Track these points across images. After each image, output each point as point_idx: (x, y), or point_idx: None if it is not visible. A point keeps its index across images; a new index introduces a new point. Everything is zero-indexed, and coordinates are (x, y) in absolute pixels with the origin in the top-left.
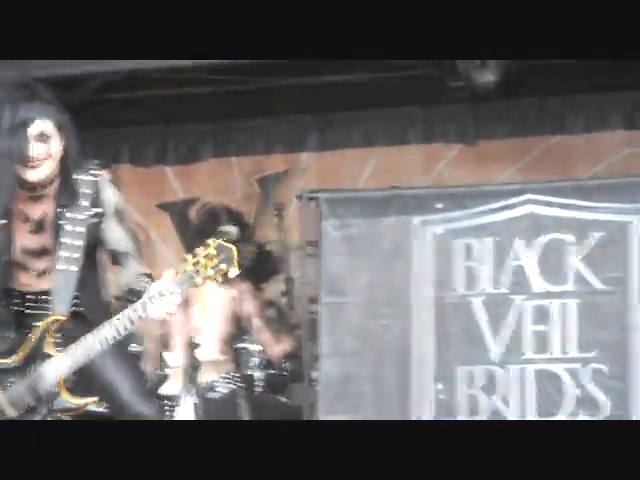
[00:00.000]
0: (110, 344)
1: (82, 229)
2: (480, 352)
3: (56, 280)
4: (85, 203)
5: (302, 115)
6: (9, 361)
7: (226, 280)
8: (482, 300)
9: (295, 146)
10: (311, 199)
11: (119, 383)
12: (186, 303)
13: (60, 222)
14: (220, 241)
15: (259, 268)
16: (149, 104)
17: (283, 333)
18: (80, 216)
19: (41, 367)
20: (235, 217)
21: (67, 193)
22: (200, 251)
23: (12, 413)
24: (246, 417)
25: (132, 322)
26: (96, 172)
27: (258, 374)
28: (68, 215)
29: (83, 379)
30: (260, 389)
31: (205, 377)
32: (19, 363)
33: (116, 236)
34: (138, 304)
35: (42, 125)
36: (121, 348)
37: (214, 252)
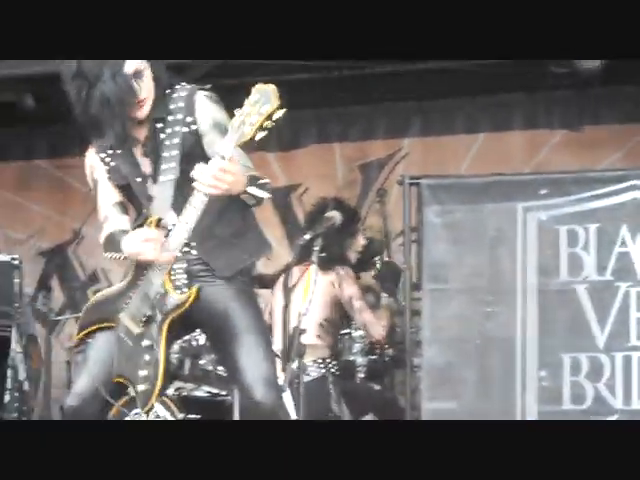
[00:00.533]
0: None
1: (177, 140)
2: (585, 339)
3: (157, 190)
4: (179, 115)
5: (404, 101)
6: (124, 283)
7: (273, 124)
8: (586, 287)
9: (397, 132)
10: (413, 185)
11: (247, 367)
12: (288, 289)
13: (160, 136)
14: (259, 85)
15: (362, 255)
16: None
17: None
18: (175, 127)
19: (148, 273)
20: (339, 203)
21: (160, 108)
22: (245, 102)
23: (135, 329)
24: (335, 404)
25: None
26: (187, 87)
27: (360, 360)
28: (165, 126)
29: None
30: (362, 375)
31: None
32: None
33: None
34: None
35: (136, 62)
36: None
37: (256, 97)
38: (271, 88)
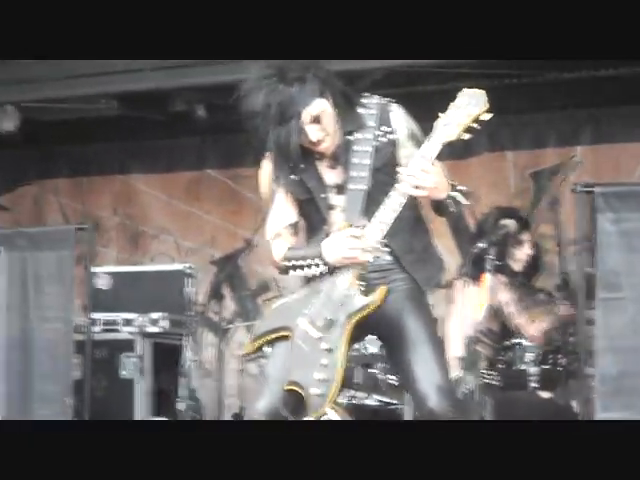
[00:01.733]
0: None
1: (369, 148)
2: None
3: (347, 198)
4: (372, 124)
5: (576, 109)
6: (304, 290)
7: (480, 125)
8: None
9: (569, 140)
10: (586, 193)
11: (421, 375)
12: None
13: (351, 147)
14: (466, 89)
15: (528, 263)
16: (419, 98)
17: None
18: (368, 136)
19: (332, 276)
20: (511, 212)
21: (350, 121)
22: (450, 105)
23: (315, 333)
24: (488, 414)
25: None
26: (376, 97)
27: (533, 369)
28: (357, 136)
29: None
30: (534, 384)
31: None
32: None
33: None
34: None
35: (314, 108)
36: (433, 343)
37: (464, 100)
38: (481, 92)
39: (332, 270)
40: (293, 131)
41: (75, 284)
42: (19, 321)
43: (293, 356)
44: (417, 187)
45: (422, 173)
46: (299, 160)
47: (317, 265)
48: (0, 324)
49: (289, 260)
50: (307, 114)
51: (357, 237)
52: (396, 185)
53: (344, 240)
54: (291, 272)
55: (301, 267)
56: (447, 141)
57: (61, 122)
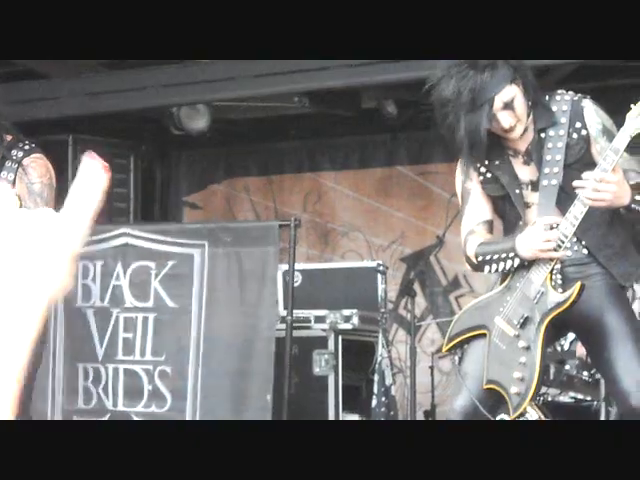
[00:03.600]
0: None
1: (561, 145)
2: None
3: (540, 195)
4: (564, 120)
5: None
6: (499, 288)
7: None
8: None
9: None
10: None
11: (623, 374)
12: None
13: (545, 144)
14: None
15: None
16: (611, 92)
17: None
18: (560, 132)
19: (528, 273)
20: None
21: (543, 117)
22: None
23: (511, 331)
24: None
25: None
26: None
27: None
28: (550, 132)
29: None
30: None
31: None
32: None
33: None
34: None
35: (505, 94)
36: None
37: None
38: None
39: (527, 266)
40: (484, 118)
41: (277, 281)
42: (221, 316)
43: (491, 355)
44: (595, 200)
45: (601, 185)
46: (485, 151)
47: (511, 259)
48: (201, 318)
49: (482, 256)
50: (499, 100)
51: (552, 231)
52: (577, 196)
53: (539, 234)
54: (485, 268)
55: (495, 261)
56: (635, 133)
57: (251, 120)
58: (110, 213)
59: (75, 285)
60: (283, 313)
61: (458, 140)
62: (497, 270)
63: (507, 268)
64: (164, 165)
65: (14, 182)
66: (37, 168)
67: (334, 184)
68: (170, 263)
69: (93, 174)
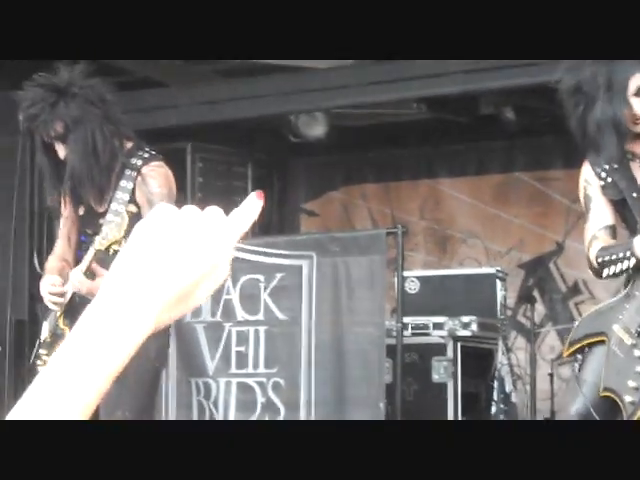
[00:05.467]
0: None
1: None
2: None
3: None
4: None
5: None
6: (620, 295)
7: None
8: None
9: None
10: None
11: None
12: None
13: None
14: None
15: None
16: None
17: None
18: None
19: None
20: None
21: None
22: None
23: (628, 340)
24: None
25: None
26: None
27: None
28: None
29: None
30: None
31: None
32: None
33: None
34: None
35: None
36: None
37: None
38: None
39: None
40: (622, 101)
41: (385, 288)
42: (331, 325)
43: (608, 362)
44: None
45: None
46: (618, 149)
47: (627, 259)
48: (311, 329)
49: (601, 257)
50: (633, 84)
51: None
52: None
53: None
54: (604, 271)
55: (612, 263)
56: None
57: (368, 127)
58: None
59: None
60: (404, 320)
61: (590, 131)
62: (615, 273)
63: (624, 269)
64: (281, 173)
65: (133, 191)
66: (157, 177)
67: (451, 190)
68: (279, 275)
69: (251, 205)
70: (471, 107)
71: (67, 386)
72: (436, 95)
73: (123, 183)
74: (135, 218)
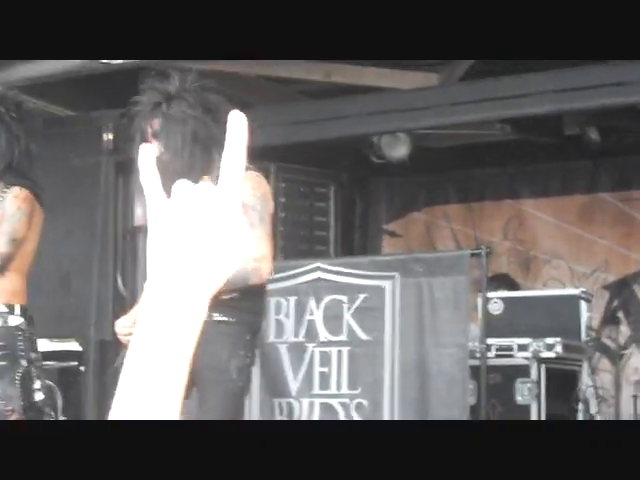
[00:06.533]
0: None
1: None
2: None
3: None
4: None
5: None
6: None
7: None
8: None
9: None
10: None
11: None
12: None
13: None
14: None
15: None
16: None
17: None
18: None
19: None
20: None
21: None
22: None
23: None
24: None
25: None
26: None
27: None
28: None
29: None
30: None
31: None
32: None
33: None
34: None
35: None
36: None
37: None
38: None
39: None
40: None
41: (469, 309)
42: (414, 346)
43: None
44: None
45: None
46: None
47: None
48: (394, 350)
49: None
50: None
51: None
52: None
53: None
54: None
55: None
56: None
57: (451, 148)
58: (310, 241)
59: (268, 321)
60: (487, 342)
61: None
62: None
63: None
64: (364, 193)
65: None
66: (249, 180)
67: (535, 211)
68: (362, 296)
69: (237, 130)
70: (555, 127)
71: (149, 383)
72: (520, 116)
73: None
74: None
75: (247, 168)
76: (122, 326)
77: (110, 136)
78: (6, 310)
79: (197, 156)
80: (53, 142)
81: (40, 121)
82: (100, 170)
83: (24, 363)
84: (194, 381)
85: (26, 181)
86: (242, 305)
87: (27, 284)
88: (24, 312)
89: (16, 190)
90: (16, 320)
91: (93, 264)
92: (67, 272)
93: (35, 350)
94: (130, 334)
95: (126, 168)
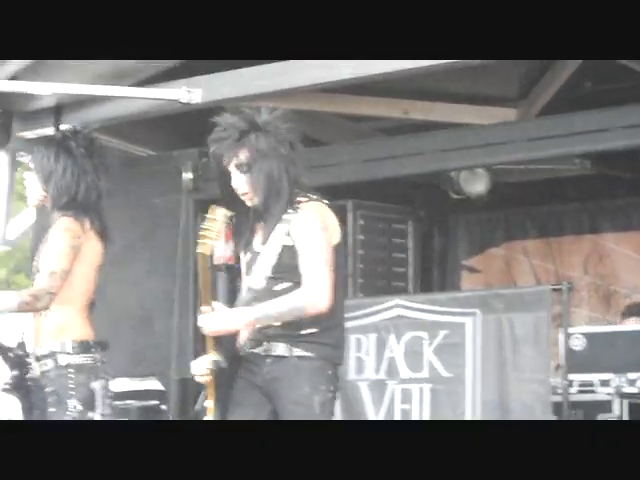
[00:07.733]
0: None
1: None
2: None
3: None
4: None
5: None
6: None
7: None
8: None
9: None
10: None
11: None
12: None
13: None
14: None
15: None
16: None
17: None
18: None
19: None
20: None
21: None
22: None
23: None
24: None
25: None
26: None
27: None
28: None
29: None
30: None
31: None
32: None
33: None
34: None
35: None
36: None
37: None
38: None
39: None
40: None
41: (551, 345)
42: (496, 382)
43: None
44: None
45: None
46: None
47: None
48: (476, 386)
49: None
50: None
51: None
52: None
53: None
54: None
55: None
56: None
57: (529, 183)
58: (389, 278)
59: (348, 358)
60: (569, 377)
61: None
62: None
63: None
64: (442, 229)
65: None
66: (313, 211)
67: (615, 245)
68: (442, 333)
69: None
70: (635, 162)
71: None
72: (597, 151)
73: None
74: (288, 251)
75: (315, 199)
76: (197, 367)
77: (190, 175)
78: (57, 349)
79: (286, 192)
80: (134, 181)
81: (114, 159)
82: (180, 209)
83: (72, 405)
84: (281, 416)
85: (84, 214)
86: (321, 340)
87: (88, 318)
88: (81, 347)
89: (61, 222)
90: (67, 359)
91: (174, 302)
92: (149, 310)
93: (105, 387)
94: (206, 374)
95: (205, 207)
